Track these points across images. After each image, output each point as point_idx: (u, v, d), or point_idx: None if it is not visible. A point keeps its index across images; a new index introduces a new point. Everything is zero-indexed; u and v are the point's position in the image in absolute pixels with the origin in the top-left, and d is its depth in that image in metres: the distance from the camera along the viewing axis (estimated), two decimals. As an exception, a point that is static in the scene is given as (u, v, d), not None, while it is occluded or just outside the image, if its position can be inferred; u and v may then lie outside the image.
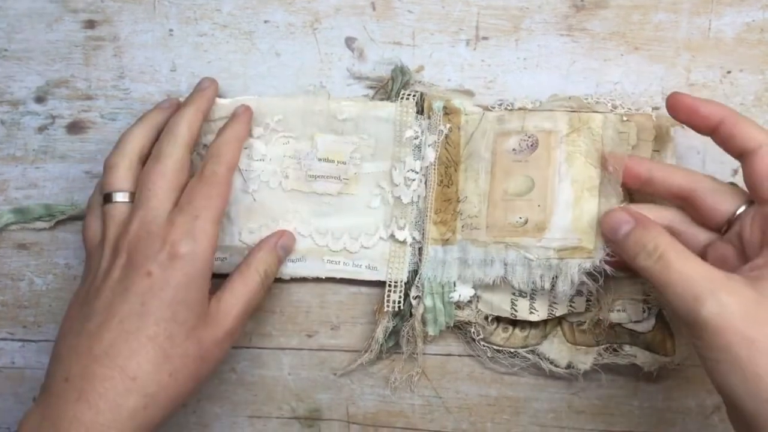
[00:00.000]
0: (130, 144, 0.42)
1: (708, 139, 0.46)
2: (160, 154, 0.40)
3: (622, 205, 0.42)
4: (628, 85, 0.47)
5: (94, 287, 0.39)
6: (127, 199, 0.40)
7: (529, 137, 0.45)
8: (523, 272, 0.44)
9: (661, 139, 0.45)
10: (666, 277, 0.35)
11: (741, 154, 0.38)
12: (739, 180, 0.46)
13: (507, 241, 0.44)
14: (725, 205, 0.39)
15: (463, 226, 0.45)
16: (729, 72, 0.47)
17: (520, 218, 0.44)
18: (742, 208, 0.38)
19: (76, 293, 0.40)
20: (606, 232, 0.40)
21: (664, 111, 0.46)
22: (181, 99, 0.46)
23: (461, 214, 0.45)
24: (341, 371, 0.47)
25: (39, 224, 0.47)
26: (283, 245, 0.44)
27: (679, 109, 0.39)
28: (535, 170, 0.44)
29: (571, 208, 0.43)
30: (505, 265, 0.44)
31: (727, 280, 0.34)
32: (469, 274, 0.45)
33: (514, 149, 0.45)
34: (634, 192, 0.44)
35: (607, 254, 0.42)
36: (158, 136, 0.42)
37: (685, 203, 0.40)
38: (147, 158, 0.41)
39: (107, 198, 0.41)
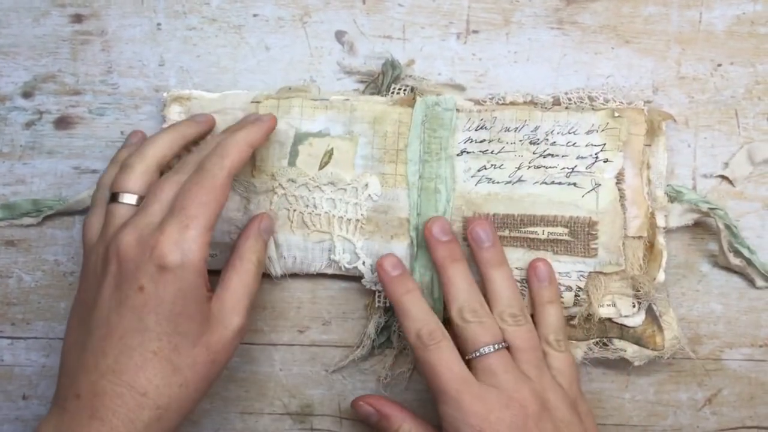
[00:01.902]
0: (153, 149, 0.40)
1: (699, 133, 0.46)
2: (181, 167, 0.39)
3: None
4: (619, 79, 0.47)
5: (91, 296, 0.37)
6: (133, 203, 0.39)
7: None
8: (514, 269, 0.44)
9: (652, 133, 0.45)
10: None
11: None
12: (729, 173, 0.46)
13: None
14: None
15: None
16: (720, 65, 0.47)
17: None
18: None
19: (75, 299, 0.39)
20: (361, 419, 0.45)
21: (655, 105, 0.46)
22: (168, 93, 0.45)
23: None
24: (333, 367, 0.47)
25: (27, 220, 0.47)
26: (264, 228, 0.42)
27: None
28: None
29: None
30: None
31: None
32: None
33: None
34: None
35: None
36: (183, 149, 0.41)
37: None
38: (165, 168, 0.40)
39: (114, 197, 0.39)
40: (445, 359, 0.40)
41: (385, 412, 0.43)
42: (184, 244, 0.36)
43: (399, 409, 0.43)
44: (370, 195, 0.45)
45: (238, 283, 0.40)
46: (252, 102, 0.45)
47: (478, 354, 0.40)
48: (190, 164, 0.39)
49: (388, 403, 0.44)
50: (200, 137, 0.43)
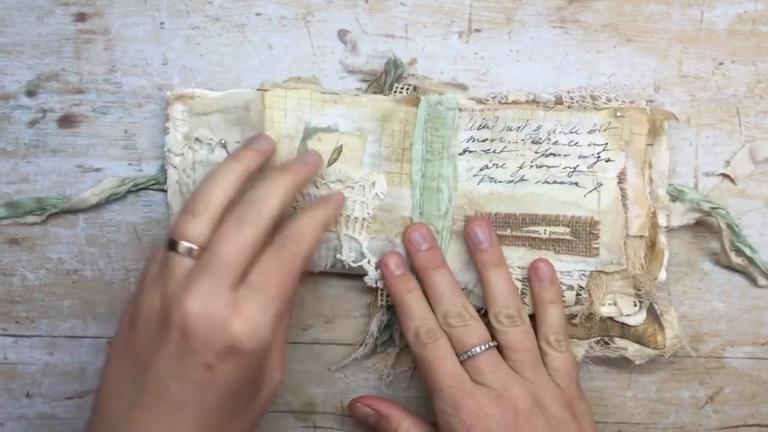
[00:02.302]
0: (218, 192, 0.37)
1: (700, 132, 0.46)
2: (242, 220, 0.36)
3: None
4: (621, 77, 0.47)
5: (145, 352, 0.35)
6: (194, 255, 0.36)
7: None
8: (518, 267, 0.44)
9: (654, 133, 0.45)
10: None
11: None
12: (730, 171, 0.46)
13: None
14: None
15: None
16: (721, 63, 0.47)
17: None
18: None
19: (119, 342, 0.37)
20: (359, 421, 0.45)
21: (657, 104, 0.46)
22: (171, 92, 0.45)
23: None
24: (336, 366, 0.47)
25: (30, 218, 0.47)
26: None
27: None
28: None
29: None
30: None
31: None
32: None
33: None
34: None
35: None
36: (246, 181, 0.39)
37: None
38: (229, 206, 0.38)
39: (173, 244, 0.36)
40: (440, 357, 0.41)
41: (383, 412, 0.44)
42: (261, 330, 0.35)
43: (397, 409, 0.44)
44: (377, 194, 0.45)
45: (277, 342, 0.38)
46: (258, 89, 0.44)
47: (467, 355, 0.41)
48: (251, 218, 0.36)
49: (386, 402, 0.44)
50: (262, 167, 0.41)
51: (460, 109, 0.45)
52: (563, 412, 0.41)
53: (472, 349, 0.41)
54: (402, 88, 0.45)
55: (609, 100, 0.45)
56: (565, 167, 0.45)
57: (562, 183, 0.45)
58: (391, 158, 0.45)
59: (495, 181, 0.45)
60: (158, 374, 0.34)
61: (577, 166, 0.45)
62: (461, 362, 0.41)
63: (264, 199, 0.37)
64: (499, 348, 0.42)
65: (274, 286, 0.36)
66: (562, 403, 0.41)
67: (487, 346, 0.41)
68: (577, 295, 0.44)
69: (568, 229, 0.45)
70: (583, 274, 0.44)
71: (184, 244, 0.36)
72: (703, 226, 0.47)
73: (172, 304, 0.34)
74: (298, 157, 0.43)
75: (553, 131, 0.45)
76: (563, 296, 0.44)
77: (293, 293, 0.37)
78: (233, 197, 0.38)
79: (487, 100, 0.46)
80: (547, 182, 0.45)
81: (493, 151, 0.45)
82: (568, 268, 0.44)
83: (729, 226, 0.45)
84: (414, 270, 0.44)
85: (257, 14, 0.47)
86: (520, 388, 0.40)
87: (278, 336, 0.37)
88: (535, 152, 0.45)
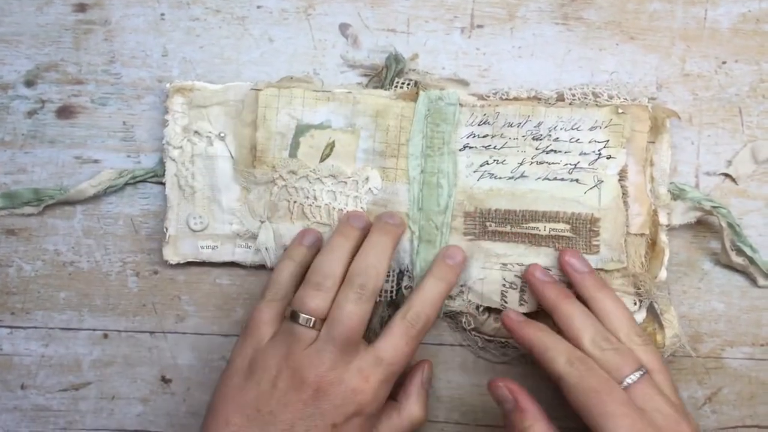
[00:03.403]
0: (337, 266, 0.41)
1: (702, 131, 0.46)
2: (363, 292, 0.40)
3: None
4: (623, 75, 0.46)
5: (268, 408, 0.39)
6: (315, 327, 0.40)
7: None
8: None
9: (656, 130, 0.45)
10: None
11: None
12: (732, 171, 0.46)
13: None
14: None
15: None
16: (724, 62, 0.46)
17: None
18: None
19: (235, 391, 0.40)
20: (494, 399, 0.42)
21: (659, 102, 0.46)
22: (170, 84, 0.45)
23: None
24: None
25: (27, 209, 0.47)
26: (427, 378, 0.45)
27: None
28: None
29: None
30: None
31: None
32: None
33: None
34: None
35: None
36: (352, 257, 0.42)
37: None
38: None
39: (295, 316, 0.40)
40: (605, 383, 0.38)
41: (522, 404, 0.41)
42: (382, 397, 0.40)
43: (536, 407, 0.41)
44: (370, 188, 0.45)
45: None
46: (252, 89, 0.45)
47: (627, 383, 0.39)
48: (368, 285, 0.40)
49: (527, 396, 0.41)
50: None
51: (460, 105, 0.45)
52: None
53: (632, 375, 0.39)
54: (403, 83, 0.45)
55: (611, 97, 0.45)
56: (566, 164, 0.44)
57: (562, 180, 0.44)
58: (385, 154, 0.45)
59: (495, 177, 0.45)
60: (283, 429, 0.38)
61: (578, 162, 0.44)
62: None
63: (375, 267, 0.41)
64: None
65: (400, 360, 0.40)
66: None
67: (641, 372, 0.39)
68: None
69: (568, 226, 0.44)
70: None
71: (305, 317, 0.40)
72: (704, 225, 0.46)
73: (304, 369, 0.39)
74: (387, 218, 0.44)
75: (554, 128, 0.44)
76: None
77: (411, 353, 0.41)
78: (343, 273, 0.41)
79: (489, 96, 0.45)
80: (548, 179, 0.44)
81: (494, 147, 0.45)
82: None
83: (730, 225, 0.45)
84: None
85: (258, 7, 0.47)
86: (687, 425, 0.38)
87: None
88: (536, 149, 0.45)
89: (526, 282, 0.44)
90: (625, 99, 0.45)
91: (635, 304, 0.45)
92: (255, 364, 0.40)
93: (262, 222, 0.45)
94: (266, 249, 0.45)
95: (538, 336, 0.41)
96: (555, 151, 0.44)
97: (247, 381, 0.40)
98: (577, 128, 0.44)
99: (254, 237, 0.45)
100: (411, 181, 0.45)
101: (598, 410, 0.38)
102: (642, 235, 0.44)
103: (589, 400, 0.38)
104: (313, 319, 0.40)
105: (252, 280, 0.47)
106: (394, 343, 0.40)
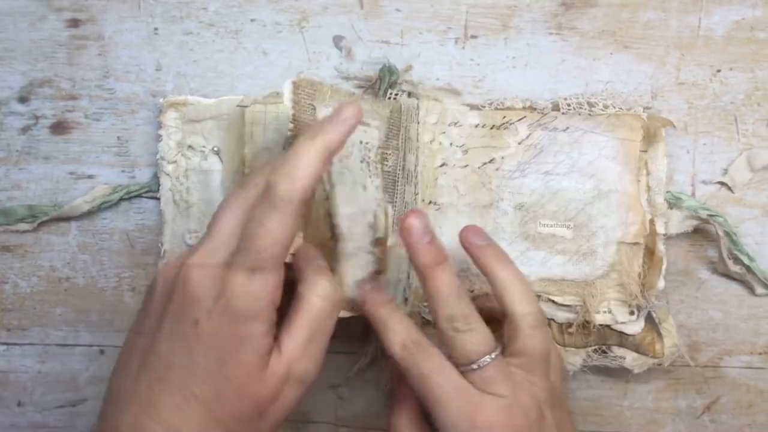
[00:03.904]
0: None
1: (698, 139, 0.46)
2: (246, 181, 0.37)
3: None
4: (618, 84, 0.46)
5: (152, 320, 0.35)
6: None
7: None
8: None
9: (651, 140, 0.45)
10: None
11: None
12: (728, 179, 0.46)
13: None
14: None
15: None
16: (719, 70, 0.46)
17: None
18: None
19: (136, 317, 0.36)
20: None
21: (655, 111, 0.46)
22: (164, 99, 0.45)
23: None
24: (339, 381, 0.47)
25: (22, 226, 0.46)
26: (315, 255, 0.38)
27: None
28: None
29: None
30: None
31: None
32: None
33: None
34: None
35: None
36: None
37: None
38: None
39: None
40: (438, 368, 0.37)
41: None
42: (253, 288, 0.33)
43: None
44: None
45: (301, 328, 0.35)
46: (238, 106, 0.44)
47: (478, 365, 0.37)
48: (255, 179, 0.36)
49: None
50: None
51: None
52: (562, 414, 0.39)
53: (483, 359, 0.37)
54: (396, 94, 0.45)
55: (606, 107, 0.45)
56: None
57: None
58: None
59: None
60: (156, 342, 0.34)
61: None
62: (464, 372, 0.37)
63: (276, 169, 0.34)
64: (513, 350, 0.38)
65: (262, 242, 0.33)
66: (561, 406, 0.39)
67: (495, 354, 0.37)
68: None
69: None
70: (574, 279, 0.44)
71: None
72: (701, 234, 0.46)
73: (179, 271, 0.34)
74: (333, 113, 0.36)
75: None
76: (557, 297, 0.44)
77: (291, 240, 0.34)
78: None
79: (483, 107, 0.45)
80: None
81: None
82: (564, 270, 0.44)
83: (727, 234, 0.45)
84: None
85: (252, 20, 0.47)
86: (529, 396, 0.37)
87: (298, 326, 0.35)
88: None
89: (403, 238, 0.39)
90: (620, 108, 0.45)
91: (632, 314, 0.45)
92: (152, 282, 0.36)
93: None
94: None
95: (380, 313, 0.39)
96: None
97: (144, 303, 0.36)
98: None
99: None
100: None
101: (428, 395, 0.37)
102: (636, 244, 0.44)
103: (420, 385, 0.37)
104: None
105: (248, 293, 0.47)
106: (252, 222, 0.34)
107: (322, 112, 0.39)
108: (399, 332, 0.38)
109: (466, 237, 0.40)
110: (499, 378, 0.37)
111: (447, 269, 0.38)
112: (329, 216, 0.39)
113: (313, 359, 0.35)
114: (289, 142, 0.38)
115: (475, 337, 0.37)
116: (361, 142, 0.41)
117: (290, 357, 0.34)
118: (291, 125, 0.38)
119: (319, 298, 0.35)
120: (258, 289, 0.33)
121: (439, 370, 0.37)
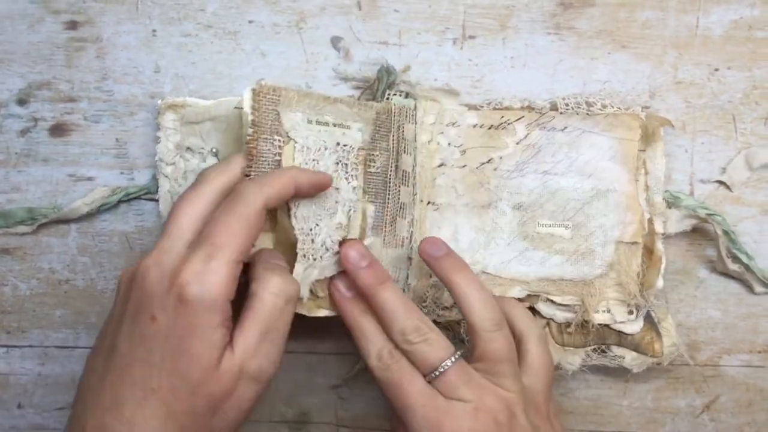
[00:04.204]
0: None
1: (696, 138, 0.46)
2: (201, 179, 0.37)
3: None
4: (616, 84, 0.46)
5: (114, 320, 0.35)
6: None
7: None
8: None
9: (649, 139, 0.45)
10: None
11: None
12: (726, 178, 0.46)
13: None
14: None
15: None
16: (717, 69, 0.46)
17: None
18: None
19: (104, 324, 0.36)
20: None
21: (653, 110, 0.46)
22: (162, 101, 0.45)
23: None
24: (339, 381, 0.47)
25: (21, 228, 0.47)
26: (272, 254, 0.39)
27: None
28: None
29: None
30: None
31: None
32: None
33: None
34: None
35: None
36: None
37: None
38: None
39: None
40: (407, 376, 0.38)
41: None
42: (207, 276, 0.33)
43: None
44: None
45: (253, 325, 0.35)
46: (236, 107, 0.44)
47: (437, 373, 0.38)
48: (210, 176, 0.37)
49: None
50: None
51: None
52: (538, 418, 0.39)
53: (442, 365, 0.37)
54: (394, 95, 0.45)
55: (604, 106, 0.45)
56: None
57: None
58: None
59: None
60: (118, 341, 0.34)
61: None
62: (430, 381, 0.38)
63: (229, 161, 0.37)
64: (476, 356, 0.39)
65: (222, 234, 0.34)
66: (537, 409, 0.39)
67: (454, 358, 0.38)
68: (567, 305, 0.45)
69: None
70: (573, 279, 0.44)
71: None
72: (700, 233, 0.46)
73: (136, 269, 0.35)
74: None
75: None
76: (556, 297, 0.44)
77: (252, 240, 0.35)
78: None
79: (482, 107, 0.45)
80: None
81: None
82: (563, 270, 0.44)
83: (725, 233, 0.45)
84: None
85: (250, 21, 0.47)
86: (496, 398, 0.37)
87: (251, 323, 0.35)
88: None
89: (345, 267, 0.40)
90: (619, 108, 0.45)
91: (632, 313, 0.45)
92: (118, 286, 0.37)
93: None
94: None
95: (358, 320, 0.40)
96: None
97: (112, 307, 0.36)
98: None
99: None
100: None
101: (398, 404, 0.38)
102: (635, 243, 0.44)
103: (391, 395, 0.38)
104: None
105: (248, 295, 0.47)
106: (212, 221, 0.35)
107: (287, 117, 0.40)
108: (374, 342, 0.39)
109: (424, 249, 0.41)
110: (462, 382, 0.37)
111: (389, 287, 0.39)
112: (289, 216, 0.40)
113: (267, 357, 0.35)
114: (248, 147, 0.38)
115: (431, 345, 0.38)
116: (338, 144, 0.42)
117: (243, 354, 0.34)
118: (250, 131, 0.39)
119: (271, 295, 0.35)
120: (211, 277, 0.33)
121: (408, 379, 0.38)
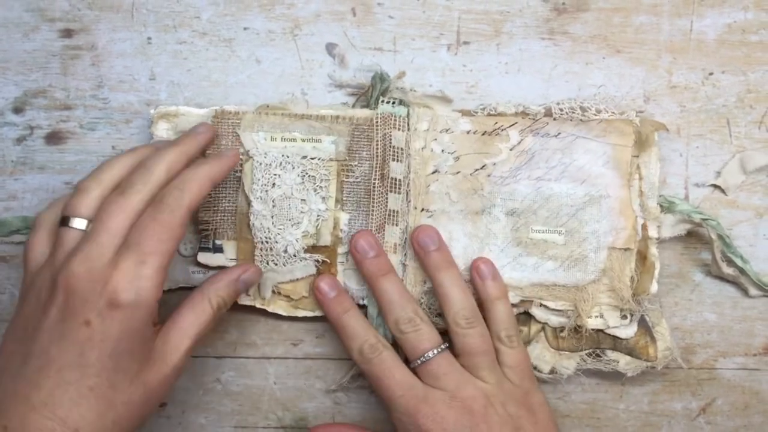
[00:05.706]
0: (109, 172, 0.39)
1: (691, 142, 0.46)
2: (128, 187, 0.37)
3: None
4: (610, 88, 0.46)
5: (31, 325, 0.36)
6: (83, 227, 0.37)
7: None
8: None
9: (644, 144, 0.45)
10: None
11: None
12: (721, 182, 0.46)
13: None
14: None
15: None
16: (711, 74, 0.46)
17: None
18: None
19: (12, 322, 0.37)
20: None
21: (647, 115, 0.46)
22: (154, 110, 0.45)
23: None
24: (335, 385, 0.47)
25: (17, 238, 0.47)
26: (245, 280, 0.42)
27: None
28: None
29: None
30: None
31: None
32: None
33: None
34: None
35: None
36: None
37: None
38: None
39: (64, 221, 0.37)
40: (387, 369, 0.41)
41: None
42: (139, 282, 0.35)
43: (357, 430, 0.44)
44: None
45: (190, 323, 0.39)
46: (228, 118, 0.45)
47: (421, 361, 0.41)
48: (137, 186, 0.37)
49: (345, 427, 0.45)
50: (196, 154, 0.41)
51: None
52: (518, 408, 0.41)
53: (425, 354, 0.41)
54: (387, 102, 0.45)
55: (599, 111, 0.45)
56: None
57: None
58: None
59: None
60: (41, 342, 0.35)
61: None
62: (415, 368, 0.42)
63: (149, 167, 0.38)
64: (456, 351, 0.42)
65: (150, 242, 0.36)
66: (516, 400, 0.42)
67: (439, 349, 0.42)
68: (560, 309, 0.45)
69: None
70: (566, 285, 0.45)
71: (75, 219, 0.37)
72: (694, 237, 0.47)
73: (59, 271, 0.36)
74: (190, 130, 0.42)
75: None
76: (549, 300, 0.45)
77: (176, 246, 0.37)
78: (125, 175, 0.38)
79: (476, 113, 0.46)
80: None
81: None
82: (556, 275, 0.44)
83: (720, 236, 0.45)
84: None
85: (245, 28, 0.47)
86: (473, 388, 0.41)
87: (188, 320, 0.39)
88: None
89: (352, 256, 0.44)
90: (613, 112, 0.45)
91: (625, 318, 0.45)
92: (28, 283, 0.38)
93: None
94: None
95: (341, 319, 0.43)
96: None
97: (21, 301, 0.37)
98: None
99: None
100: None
101: (381, 393, 0.42)
102: (627, 249, 0.44)
103: (375, 386, 0.42)
104: (80, 220, 0.37)
105: (244, 301, 0.47)
106: (139, 226, 0.36)
107: (247, 137, 0.44)
108: (357, 338, 0.43)
109: (416, 237, 0.44)
110: (442, 372, 0.41)
111: (391, 279, 0.43)
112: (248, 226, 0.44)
113: (186, 350, 0.38)
114: None
115: (421, 335, 0.42)
116: (305, 157, 0.44)
117: (172, 345, 0.38)
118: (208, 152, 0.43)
119: (213, 304, 0.40)
120: (144, 283, 0.36)
121: (390, 370, 0.42)
